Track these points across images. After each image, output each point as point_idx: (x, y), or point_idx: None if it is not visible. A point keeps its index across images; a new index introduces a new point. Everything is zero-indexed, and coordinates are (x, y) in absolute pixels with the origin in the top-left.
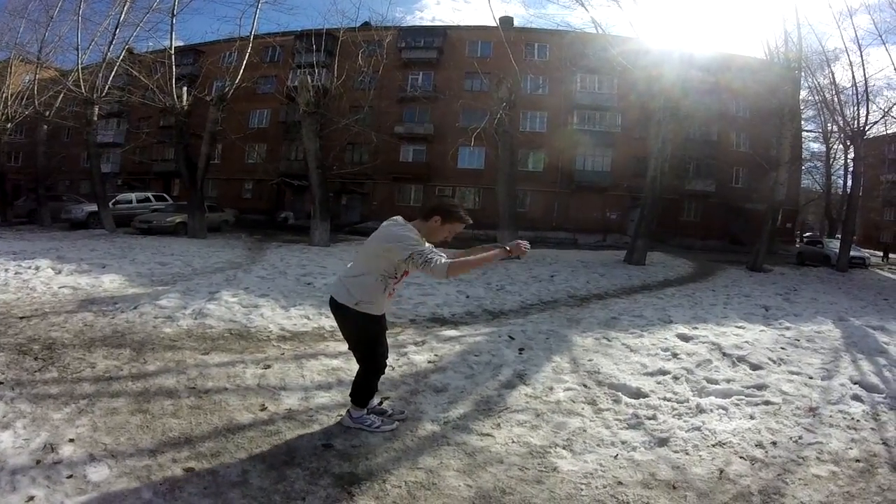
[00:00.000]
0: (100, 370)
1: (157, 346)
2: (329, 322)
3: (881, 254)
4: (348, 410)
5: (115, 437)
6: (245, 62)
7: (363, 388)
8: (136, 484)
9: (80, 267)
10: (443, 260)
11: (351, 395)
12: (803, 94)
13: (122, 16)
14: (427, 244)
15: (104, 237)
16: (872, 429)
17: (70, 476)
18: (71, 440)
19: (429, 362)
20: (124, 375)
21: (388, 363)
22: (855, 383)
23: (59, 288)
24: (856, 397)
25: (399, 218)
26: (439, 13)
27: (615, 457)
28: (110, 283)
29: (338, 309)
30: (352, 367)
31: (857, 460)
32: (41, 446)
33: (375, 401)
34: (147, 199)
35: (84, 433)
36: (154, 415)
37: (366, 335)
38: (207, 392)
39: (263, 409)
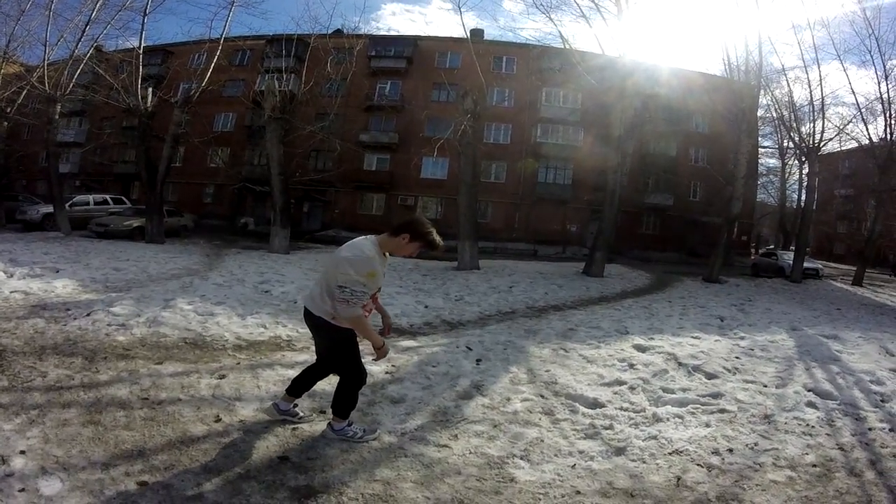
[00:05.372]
0: (51, 379)
1: (110, 355)
2: (286, 331)
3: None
4: (329, 423)
5: (66, 449)
6: (213, 65)
7: (346, 400)
8: (90, 498)
9: (33, 270)
10: (357, 311)
11: (332, 407)
12: (760, 111)
13: (94, 13)
14: (364, 283)
15: (59, 240)
16: (828, 434)
17: (22, 489)
18: (22, 452)
19: (386, 373)
20: (76, 385)
21: None
22: (809, 391)
23: (11, 292)
24: (810, 404)
25: (371, 238)
26: (395, 24)
27: (573, 466)
28: (63, 288)
29: (312, 320)
30: None
31: (814, 465)
32: None
33: (291, 404)
34: (105, 202)
35: (35, 445)
36: (106, 426)
37: (343, 347)
38: (161, 403)
39: (218, 420)
